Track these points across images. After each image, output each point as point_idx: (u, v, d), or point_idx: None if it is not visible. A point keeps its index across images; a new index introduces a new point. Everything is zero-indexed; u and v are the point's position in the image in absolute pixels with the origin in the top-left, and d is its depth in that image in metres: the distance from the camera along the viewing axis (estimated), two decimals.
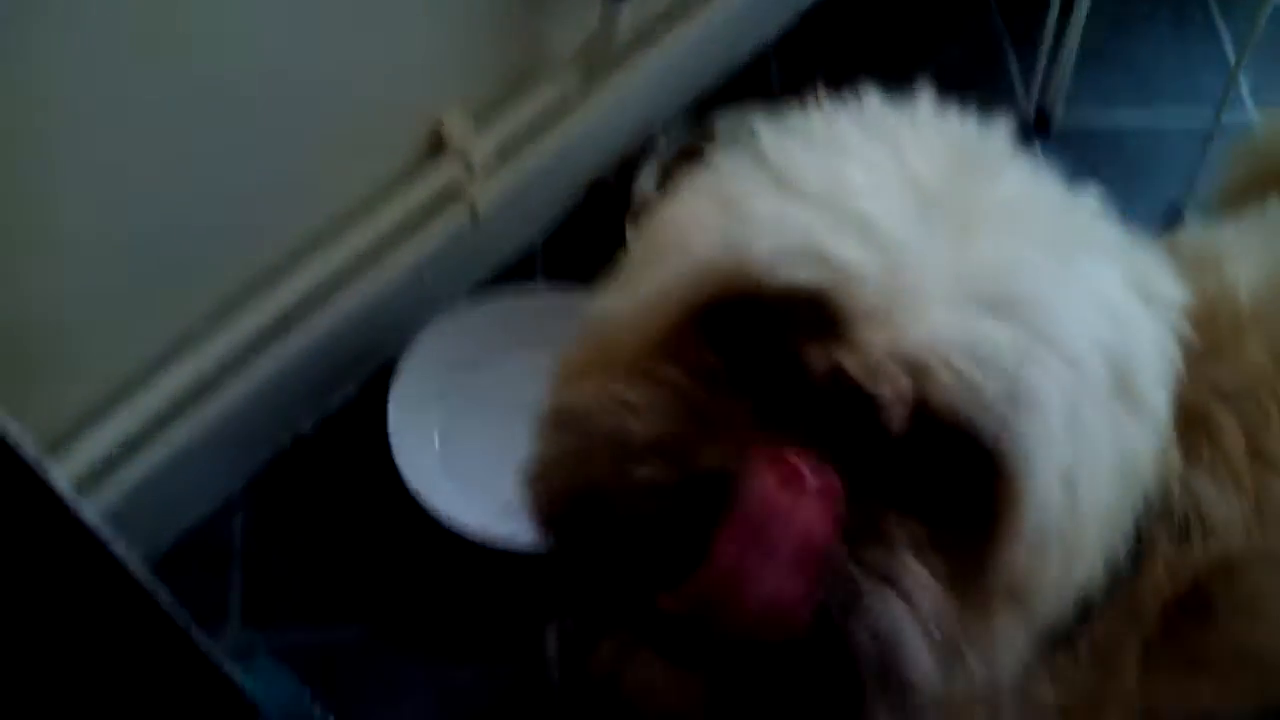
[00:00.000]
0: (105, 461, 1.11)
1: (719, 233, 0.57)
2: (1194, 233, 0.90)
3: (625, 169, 1.45)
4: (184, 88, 0.98)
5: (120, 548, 0.85)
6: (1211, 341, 0.76)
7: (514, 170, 1.33)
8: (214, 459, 1.24)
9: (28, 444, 0.70)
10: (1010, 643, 0.60)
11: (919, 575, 0.55)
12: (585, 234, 1.47)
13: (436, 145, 1.24)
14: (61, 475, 0.90)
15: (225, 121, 1.03)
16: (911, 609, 0.55)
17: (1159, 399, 0.60)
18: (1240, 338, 0.79)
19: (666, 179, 0.79)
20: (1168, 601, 0.77)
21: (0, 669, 0.91)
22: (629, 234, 1.16)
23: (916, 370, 0.53)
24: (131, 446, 1.13)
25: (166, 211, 1.03)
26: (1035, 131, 1.55)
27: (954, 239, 0.55)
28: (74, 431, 1.08)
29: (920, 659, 0.55)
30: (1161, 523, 0.69)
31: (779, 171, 0.58)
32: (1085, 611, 0.63)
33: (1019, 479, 0.54)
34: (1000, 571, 0.56)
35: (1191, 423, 0.74)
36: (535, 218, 1.43)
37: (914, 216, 0.55)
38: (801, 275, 0.54)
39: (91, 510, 0.80)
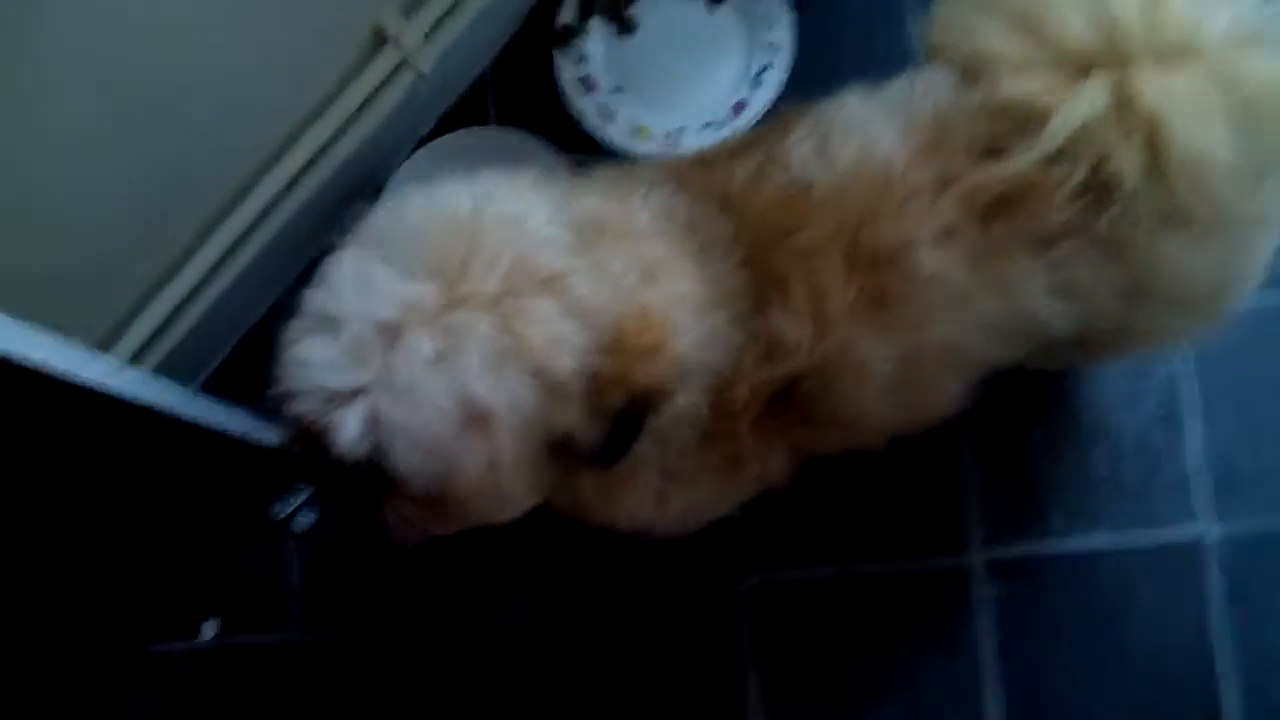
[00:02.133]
0: (180, 303, 1.53)
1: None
2: (850, 105, 1.08)
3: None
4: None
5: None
6: (800, 218, 1.04)
7: (449, 31, 1.62)
8: (246, 297, 1.64)
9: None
10: (500, 509, 1.00)
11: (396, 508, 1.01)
12: (524, 65, 1.73)
13: (380, 40, 1.55)
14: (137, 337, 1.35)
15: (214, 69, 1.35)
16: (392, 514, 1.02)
17: (569, 364, 0.92)
18: (813, 213, 1.03)
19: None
20: (772, 394, 1.05)
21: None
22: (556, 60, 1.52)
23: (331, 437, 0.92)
24: (195, 291, 1.53)
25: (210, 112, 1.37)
26: None
27: (383, 353, 0.90)
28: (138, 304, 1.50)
29: (401, 529, 1.03)
30: (747, 353, 1.02)
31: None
32: (630, 432, 0.97)
33: (390, 467, 0.93)
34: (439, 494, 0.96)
35: (775, 281, 1.03)
36: (475, 62, 1.72)
37: (359, 342, 0.90)
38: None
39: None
